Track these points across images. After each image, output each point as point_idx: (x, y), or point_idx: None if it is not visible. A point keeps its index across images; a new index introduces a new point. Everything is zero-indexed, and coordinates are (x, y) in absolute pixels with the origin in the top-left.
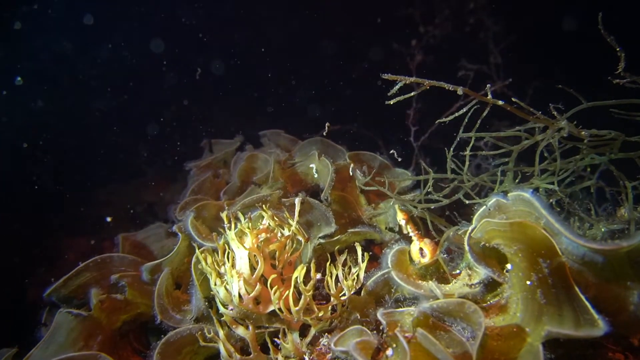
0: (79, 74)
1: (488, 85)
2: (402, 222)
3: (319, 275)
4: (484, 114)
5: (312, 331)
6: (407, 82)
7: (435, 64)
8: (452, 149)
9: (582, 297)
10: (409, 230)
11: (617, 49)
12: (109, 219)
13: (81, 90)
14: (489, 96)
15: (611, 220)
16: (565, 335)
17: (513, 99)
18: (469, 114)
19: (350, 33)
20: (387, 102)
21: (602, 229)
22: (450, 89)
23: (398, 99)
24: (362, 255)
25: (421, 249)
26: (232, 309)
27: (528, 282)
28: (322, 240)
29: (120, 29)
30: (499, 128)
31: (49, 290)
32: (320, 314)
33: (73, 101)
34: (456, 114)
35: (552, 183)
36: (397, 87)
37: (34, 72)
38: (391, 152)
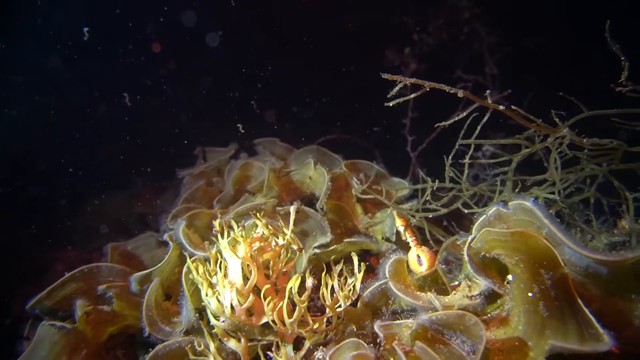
0: (69, 86)
1: (488, 91)
2: (401, 229)
3: (311, 282)
4: (485, 119)
5: (307, 344)
6: (407, 82)
7: (429, 73)
8: (450, 157)
9: (586, 310)
10: (407, 236)
11: (622, 58)
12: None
13: (71, 101)
14: (489, 101)
15: (612, 232)
16: (569, 350)
17: (513, 107)
18: (468, 120)
19: (344, 40)
20: (386, 104)
21: (604, 241)
22: (450, 91)
23: (397, 100)
24: (359, 265)
25: (418, 256)
26: (223, 321)
27: (530, 294)
28: (317, 250)
29: (112, 42)
30: (494, 139)
31: (32, 302)
32: (315, 326)
33: (61, 112)
34: (456, 118)
35: (553, 193)
36: (396, 88)
37: (22, 81)
38: None
